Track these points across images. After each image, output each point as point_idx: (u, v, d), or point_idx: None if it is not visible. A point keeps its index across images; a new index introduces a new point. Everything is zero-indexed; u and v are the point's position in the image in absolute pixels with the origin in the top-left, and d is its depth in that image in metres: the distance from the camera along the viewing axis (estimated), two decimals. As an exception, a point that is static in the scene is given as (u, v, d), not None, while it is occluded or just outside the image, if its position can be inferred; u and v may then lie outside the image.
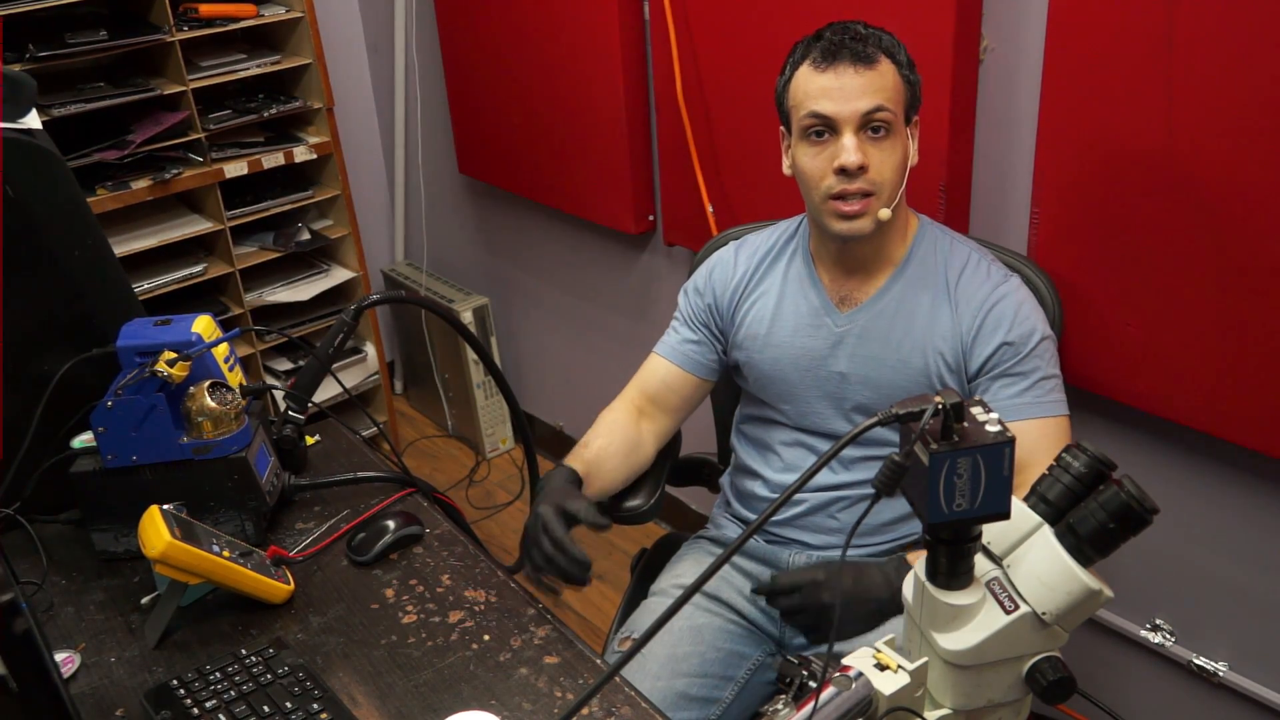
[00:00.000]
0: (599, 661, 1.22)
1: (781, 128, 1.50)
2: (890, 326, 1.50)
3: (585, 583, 1.39)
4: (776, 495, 1.56)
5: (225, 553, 1.25)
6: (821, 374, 1.54)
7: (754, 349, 1.58)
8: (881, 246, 1.50)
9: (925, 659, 0.96)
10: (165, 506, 1.25)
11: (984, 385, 1.47)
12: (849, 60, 1.38)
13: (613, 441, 1.55)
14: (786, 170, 1.50)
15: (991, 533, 0.94)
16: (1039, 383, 1.44)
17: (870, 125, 1.39)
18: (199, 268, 2.58)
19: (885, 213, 1.42)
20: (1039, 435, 1.41)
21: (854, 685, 0.93)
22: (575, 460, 1.55)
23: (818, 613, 1.41)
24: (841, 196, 1.41)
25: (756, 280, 1.59)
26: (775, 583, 1.36)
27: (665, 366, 1.64)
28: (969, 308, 1.47)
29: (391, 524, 1.40)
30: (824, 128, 1.40)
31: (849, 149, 1.38)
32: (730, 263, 1.61)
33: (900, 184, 1.43)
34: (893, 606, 1.32)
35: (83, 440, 1.39)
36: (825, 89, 1.39)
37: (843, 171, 1.39)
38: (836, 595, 1.40)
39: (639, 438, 1.62)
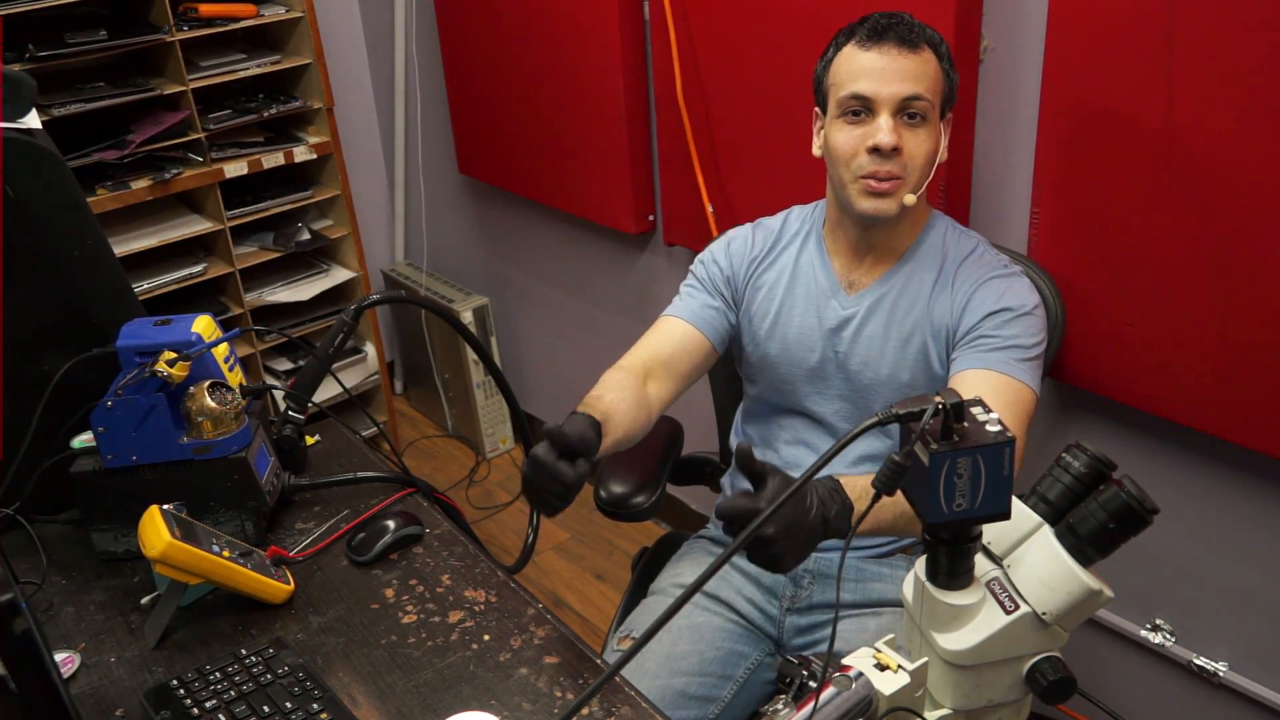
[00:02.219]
0: (599, 661, 1.22)
1: (815, 109, 1.51)
2: (893, 308, 1.51)
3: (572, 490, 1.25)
4: (776, 495, 1.56)
5: (225, 553, 1.25)
6: (826, 355, 1.54)
7: (762, 328, 1.58)
8: (895, 233, 1.51)
9: (925, 659, 0.96)
10: (165, 506, 1.25)
11: (958, 350, 1.46)
12: (894, 41, 1.40)
13: (624, 397, 1.48)
14: (816, 151, 1.51)
15: (991, 533, 0.94)
16: (1009, 348, 1.43)
17: (907, 111, 1.40)
18: (199, 268, 2.58)
19: (911, 198, 1.43)
20: (991, 388, 1.38)
21: (854, 685, 0.93)
22: (591, 409, 1.44)
23: (756, 542, 1.30)
24: (873, 175, 1.42)
25: (770, 260, 1.59)
26: (719, 512, 1.27)
27: (684, 328, 1.58)
28: (964, 288, 1.48)
29: (391, 524, 1.40)
30: (862, 107, 1.41)
31: (885, 129, 1.39)
32: (748, 239, 1.62)
33: (929, 175, 1.44)
34: (824, 531, 1.25)
35: (83, 440, 1.39)
36: (868, 68, 1.40)
37: (876, 151, 1.40)
38: (777, 524, 1.29)
39: (646, 398, 1.57)
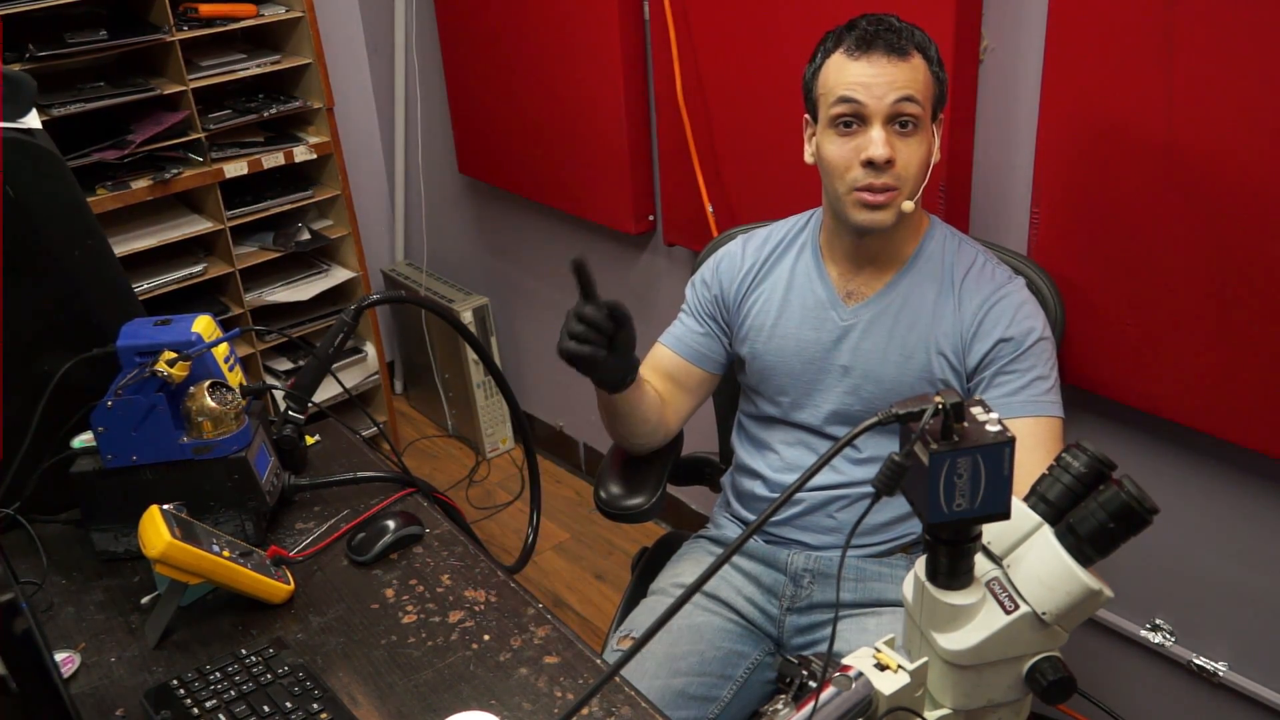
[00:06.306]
0: (599, 661, 1.22)
1: (806, 116, 1.50)
2: (895, 322, 1.50)
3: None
4: (776, 495, 1.57)
5: (225, 553, 1.25)
6: (825, 366, 1.54)
7: (759, 340, 1.58)
8: (893, 243, 1.50)
9: (925, 659, 0.96)
10: (165, 506, 1.25)
11: (982, 381, 1.47)
12: (883, 50, 1.38)
13: (648, 385, 1.57)
14: (809, 158, 1.50)
15: (991, 533, 0.94)
16: (1034, 382, 1.44)
17: (899, 119, 1.39)
18: (199, 268, 2.58)
19: (909, 205, 1.42)
20: (1029, 434, 1.40)
21: (854, 685, 0.93)
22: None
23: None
24: (867, 188, 1.41)
25: (764, 273, 1.59)
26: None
27: (669, 356, 1.63)
28: (971, 305, 1.48)
29: (391, 524, 1.40)
30: (853, 118, 1.40)
31: (878, 142, 1.38)
32: (738, 255, 1.62)
33: (924, 180, 1.43)
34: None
35: (83, 440, 1.39)
36: (857, 78, 1.39)
37: (869, 164, 1.39)
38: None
39: (662, 400, 1.63)
